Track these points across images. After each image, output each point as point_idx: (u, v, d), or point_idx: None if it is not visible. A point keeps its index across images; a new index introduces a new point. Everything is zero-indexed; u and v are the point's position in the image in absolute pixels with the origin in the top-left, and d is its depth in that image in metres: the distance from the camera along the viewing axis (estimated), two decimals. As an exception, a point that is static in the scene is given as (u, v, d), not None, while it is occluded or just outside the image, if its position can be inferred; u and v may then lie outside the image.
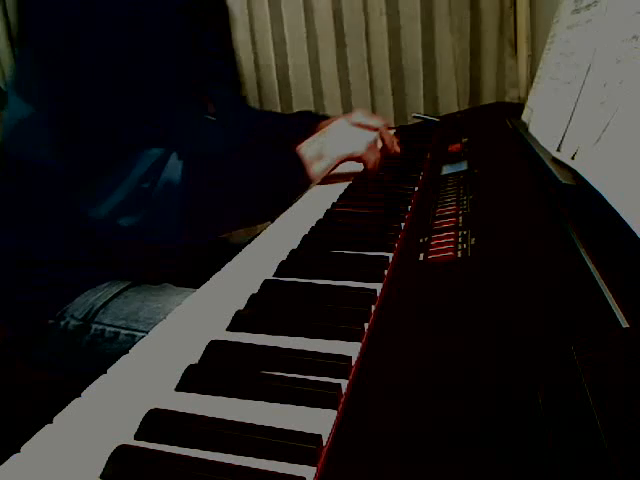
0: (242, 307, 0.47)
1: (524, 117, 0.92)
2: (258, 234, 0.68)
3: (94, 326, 0.73)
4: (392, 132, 1.22)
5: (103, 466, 0.29)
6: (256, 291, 0.50)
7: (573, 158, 0.55)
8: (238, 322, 0.44)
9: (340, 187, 0.85)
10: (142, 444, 0.31)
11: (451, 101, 1.52)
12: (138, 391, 0.37)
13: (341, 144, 0.82)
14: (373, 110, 1.57)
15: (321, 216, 0.71)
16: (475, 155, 0.83)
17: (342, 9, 1.52)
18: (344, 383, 0.35)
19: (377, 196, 0.80)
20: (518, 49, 1.46)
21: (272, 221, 0.74)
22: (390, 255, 0.54)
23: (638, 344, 0.30)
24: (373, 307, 0.44)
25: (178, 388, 0.36)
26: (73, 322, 0.74)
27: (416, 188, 0.77)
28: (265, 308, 0.47)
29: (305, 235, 0.64)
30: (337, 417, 0.32)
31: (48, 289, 0.76)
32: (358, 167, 0.88)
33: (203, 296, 0.52)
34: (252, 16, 1.57)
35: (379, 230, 0.62)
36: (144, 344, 0.43)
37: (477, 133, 0.99)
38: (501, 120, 1.01)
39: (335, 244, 0.59)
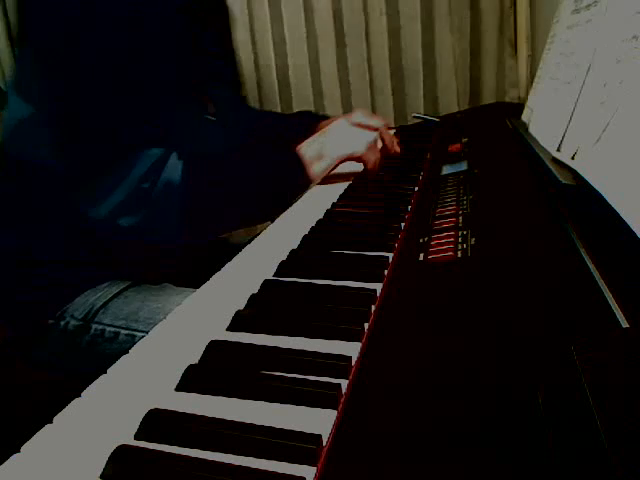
0: (242, 307, 0.47)
1: (524, 117, 0.92)
2: (258, 234, 0.68)
3: (94, 326, 0.73)
4: (392, 132, 1.22)
5: (103, 466, 0.29)
6: (256, 291, 0.50)
7: (573, 158, 0.55)
8: (238, 322, 0.44)
9: (340, 187, 0.85)
10: (142, 444, 0.31)
11: (451, 101, 1.52)
12: (138, 391, 0.37)
13: (341, 144, 0.82)
14: (373, 110, 1.57)
15: (321, 216, 0.71)
16: (475, 155, 0.83)
17: (342, 9, 1.52)
18: (344, 383, 0.35)
19: (377, 196, 0.80)
20: (518, 49, 1.46)
21: (272, 221, 0.74)
22: (390, 255, 0.54)
23: (638, 344, 0.30)
24: (373, 307, 0.44)
25: (178, 388, 0.36)
26: (73, 322, 0.74)
27: (416, 188, 0.77)
28: (265, 308, 0.47)
29: (305, 235, 0.64)
30: (337, 417, 0.32)
31: (48, 289, 0.76)
32: (358, 167, 0.88)
33: (203, 296, 0.52)
34: (252, 16, 1.57)
35: (379, 230, 0.62)
36: (144, 344, 0.43)
37: (477, 133, 0.99)
38: (501, 120, 1.01)
39: (335, 244, 0.59)
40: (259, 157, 0.79)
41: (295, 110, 1.60)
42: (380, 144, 0.91)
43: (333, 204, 0.76)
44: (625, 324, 0.33)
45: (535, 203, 0.59)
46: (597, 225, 0.45)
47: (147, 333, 0.44)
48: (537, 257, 0.46)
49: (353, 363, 0.37)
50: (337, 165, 0.84)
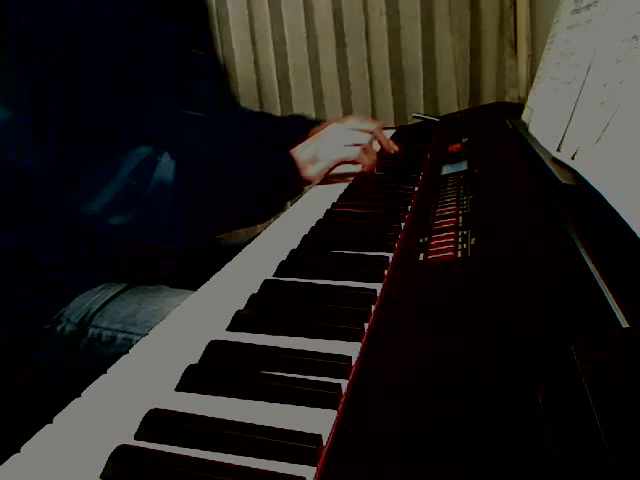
0: (242, 307, 0.47)
1: (524, 117, 0.92)
2: (258, 234, 0.68)
3: (91, 330, 0.72)
4: (392, 132, 1.22)
5: (103, 466, 0.29)
6: (256, 291, 0.50)
7: (573, 158, 0.55)
8: (238, 322, 0.44)
9: (340, 187, 0.85)
10: (142, 444, 0.31)
11: (451, 101, 1.52)
12: (138, 391, 0.37)
13: (335, 147, 0.83)
14: (373, 110, 1.57)
15: (321, 216, 0.71)
16: (475, 155, 0.83)
17: (342, 9, 1.52)
18: (344, 383, 0.35)
19: (377, 196, 0.80)
20: (518, 49, 1.46)
21: (262, 223, 0.73)
22: (390, 255, 0.54)
23: (638, 344, 0.30)
24: (373, 307, 0.44)
25: (178, 388, 0.36)
26: (69, 327, 0.73)
27: (416, 188, 0.77)
28: (265, 308, 0.47)
29: (305, 235, 0.64)
30: (337, 417, 0.32)
31: (47, 290, 0.76)
32: (358, 167, 0.89)
33: (203, 296, 0.52)
34: (252, 16, 1.57)
35: (379, 230, 0.62)
36: (144, 344, 0.43)
37: (477, 133, 0.99)
38: (501, 120, 1.01)
39: (335, 244, 0.59)
40: (252, 158, 0.78)
41: (295, 110, 1.60)
42: (378, 147, 0.91)
43: (333, 204, 0.76)
44: (625, 324, 0.33)
45: (535, 203, 0.59)
46: (597, 225, 0.45)
47: (144, 336, 0.44)
48: (537, 257, 0.46)
49: (353, 363, 0.37)
50: (333, 168, 0.84)
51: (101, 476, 0.29)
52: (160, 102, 0.75)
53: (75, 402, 0.35)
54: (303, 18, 1.53)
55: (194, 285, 0.53)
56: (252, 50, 1.59)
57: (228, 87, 1.04)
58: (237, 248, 0.62)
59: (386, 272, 0.50)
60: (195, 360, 0.39)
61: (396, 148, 0.97)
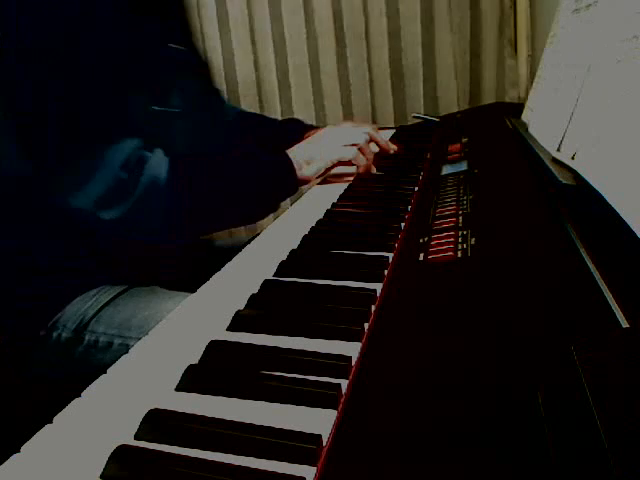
0: (242, 307, 0.47)
1: (524, 117, 0.92)
2: (258, 234, 0.68)
3: (87, 336, 0.72)
4: (392, 132, 1.22)
5: (103, 466, 0.29)
6: (256, 291, 0.50)
7: (573, 158, 0.55)
8: (238, 322, 0.44)
9: (340, 187, 0.85)
10: (142, 444, 0.31)
11: (451, 101, 1.52)
12: (138, 391, 0.37)
13: (330, 149, 0.83)
14: (373, 110, 1.58)
15: (321, 216, 0.71)
16: (475, 155, 0.83)
17: (342, 9, 1.52)
18: (344, 383, 0.35)
19: (377, 196, 0.80)
20: (518, 49, 1.46)
21: (256, 222, 0.73)
22: (390, 255, 0.54)
23: (638, 344, 0.30)
24: (373, 307, 0.44)
25: (178, 388, 0.36)
26: (66, 333, 0.73)
27: (416, 188, 0.77)
28: (265, 308, 0.47)
29: (305, 235, 0.64)
30: (337, 417, 0.32)
31: (47, 291, 0.75)
32: (354, 168, 0.89)
33: (203, 296, 0.52)
34: (252, 16, 1.57)
35: (379, 230, 0.63)
36: (144, 344, 0.43)
37: (477, 133, 0.99)
38: (501, 120, 1.01)
39: (335, 244, 0.59)
40: (247, 157, 0.78)
41: (295, 110, 1.60)
42: (375, 149, 0.91)
43: (333, 204, 0.76)
44: (625, 324, 0.33)
45: (535, 203, 0.59)
46: (597, 225, 0.45)
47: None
48: (537, 257, 0.46)
49: (353, 363, 0.37)
50: (329, 169, 0.84)
51: (101, 476, 0.29)
52: (137, 99, 0.74)
53: (75, 402, 0.35)
54: (303, 18, 1.53)
55: (193, 286, 0.53)
56: (252, 50, 1.59)
57: (210, 81, 1.03)
58: (237, 248, 0.62)
59: (386, 272, 0.50)
60: (195, 360, 0.39)
61: (395, 147, 0.97)
